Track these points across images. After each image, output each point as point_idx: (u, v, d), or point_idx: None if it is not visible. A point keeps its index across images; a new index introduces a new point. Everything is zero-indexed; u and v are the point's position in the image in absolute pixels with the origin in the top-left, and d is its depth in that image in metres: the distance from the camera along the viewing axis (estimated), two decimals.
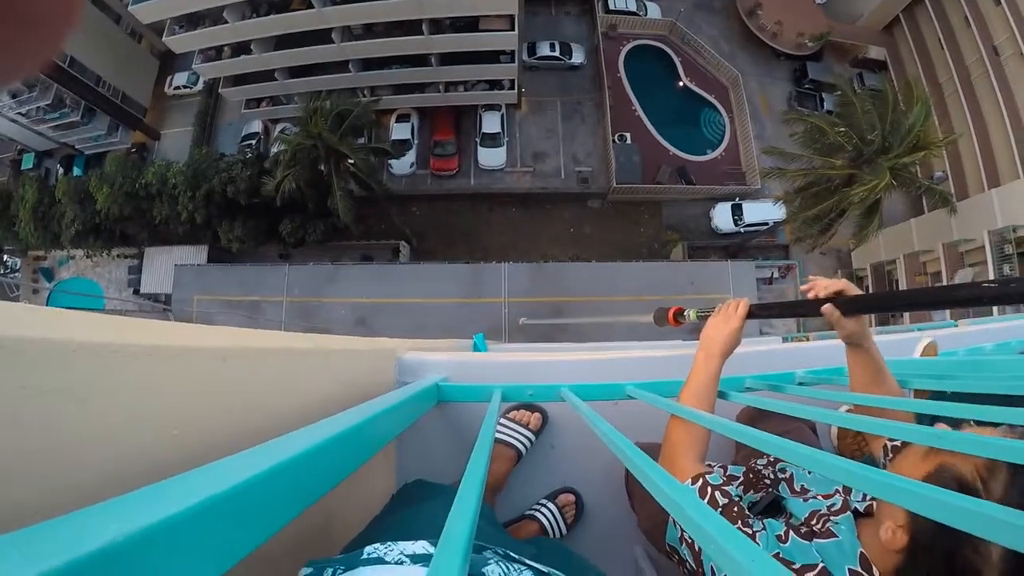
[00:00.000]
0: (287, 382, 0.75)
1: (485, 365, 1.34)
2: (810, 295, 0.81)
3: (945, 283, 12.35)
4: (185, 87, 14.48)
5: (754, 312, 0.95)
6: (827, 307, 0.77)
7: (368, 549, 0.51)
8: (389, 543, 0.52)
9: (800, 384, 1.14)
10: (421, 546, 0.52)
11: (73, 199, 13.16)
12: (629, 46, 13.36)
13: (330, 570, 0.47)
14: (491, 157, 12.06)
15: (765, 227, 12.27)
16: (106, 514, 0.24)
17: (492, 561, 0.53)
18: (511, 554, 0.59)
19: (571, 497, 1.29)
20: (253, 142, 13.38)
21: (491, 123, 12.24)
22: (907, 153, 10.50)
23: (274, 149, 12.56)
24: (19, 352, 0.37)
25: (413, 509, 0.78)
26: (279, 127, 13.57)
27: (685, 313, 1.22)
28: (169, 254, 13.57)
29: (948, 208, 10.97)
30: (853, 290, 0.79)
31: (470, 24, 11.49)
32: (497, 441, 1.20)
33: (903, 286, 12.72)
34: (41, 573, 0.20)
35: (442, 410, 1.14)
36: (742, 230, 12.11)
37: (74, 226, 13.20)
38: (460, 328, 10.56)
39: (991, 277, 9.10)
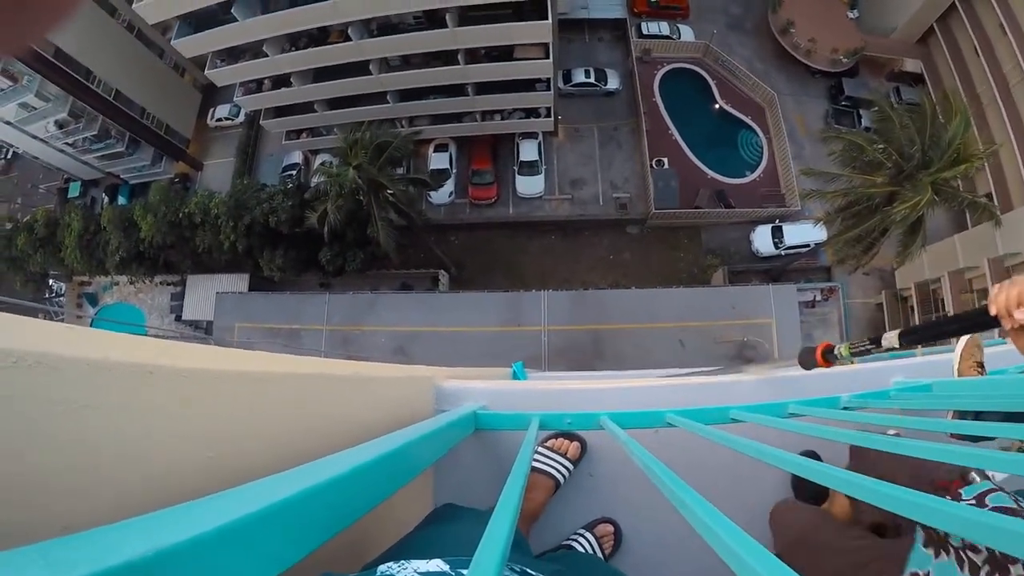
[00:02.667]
0: (326, 408, 0.75)
1: (523, 394, 1.35)
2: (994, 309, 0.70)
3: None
4: (227, 119, 14.95)
5: None
6: None
7: (382, 568, 0.50)
8: (403, 561, 0.51)
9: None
10: (435, 564, 0.51)
11: (118, 227, 13.62)
12: (664, 70, 13.38)
13: None
14: (529, 185, 12.15)
15: (806, 249, 12.09)
16: (132, 531, 0.25)
17: None
18: (528, 571, 0.57)
19: (610, 528, 1.27)
20: (293, 172, 13.72)
21: (528, 151, 12.35)
22: (948, 167, 10.27)
23: (314, 180, 12.87)
24: (55, 369, 0.38)
25: (435, 529, 0.77)
26: (319, 158, 13.89)
27: (836, 351, 1.13)
28: (211, 282, 13.94)
29: (993, 221, 10.71)
30: None
31: (505, 53, 11.66)
32: (534, 470, 1.18)
33: (949, 305, 12.39)
34: None
35: (479, 438, 1.14)
36: (783, 253, 11.96)
37: (118, 253, 13.65)
38: (499, 356, 10.60)
39: None
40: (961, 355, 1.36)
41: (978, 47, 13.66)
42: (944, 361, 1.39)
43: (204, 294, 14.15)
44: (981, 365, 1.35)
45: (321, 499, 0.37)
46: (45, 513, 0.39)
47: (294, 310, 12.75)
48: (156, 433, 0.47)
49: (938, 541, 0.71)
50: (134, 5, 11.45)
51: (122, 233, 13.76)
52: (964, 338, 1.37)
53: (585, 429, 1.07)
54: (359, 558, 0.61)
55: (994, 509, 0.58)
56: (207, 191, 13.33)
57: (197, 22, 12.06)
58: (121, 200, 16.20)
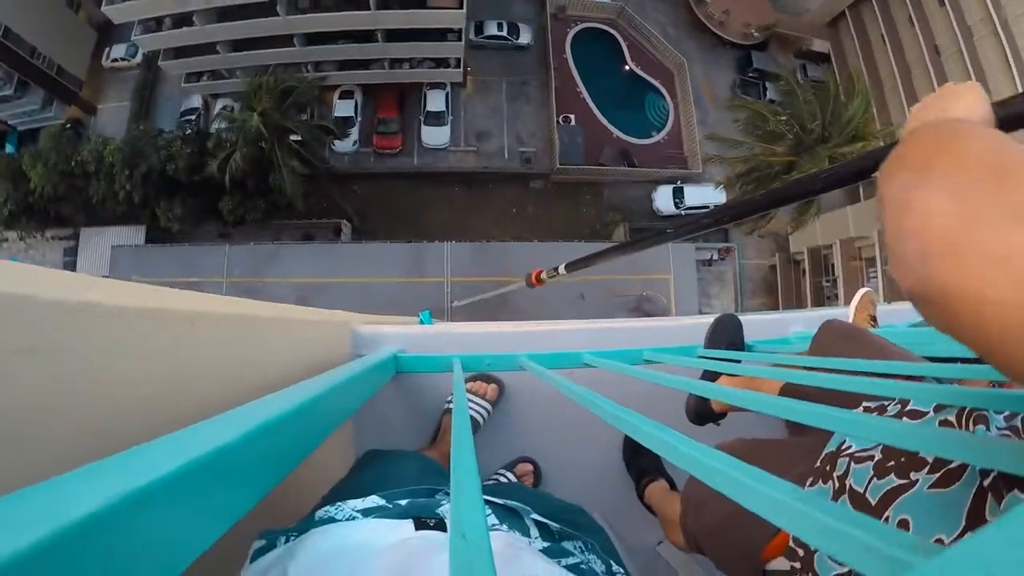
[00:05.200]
0: (251, 349, 0.71)
1: (441, 336, 1.33)
2: None
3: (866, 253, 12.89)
4: (123, 59, 13.91)
5: None
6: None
7: (319, 513, 0.50)
8: (339, 503, 0.51)
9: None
10: (371, 500, 0.51)
11: (5, 177, 12.60)
12: (577, 28, 13.44)
13: (283, 538, 0.46)
14: (435, 136, 12.00)
15: (706, 210, 12.59)
16: (84, 480, 0.22)
17: (444, 503, 0.53)
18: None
19: (529, 467, 1.30)
20: (193, 118, 12.99)
21: (436, 101, 12.17)
22: (846, 143, 10.91)
23: (215, 126, 12.24)
24: None
25: (364, 472, 0.77)
26: (220, 103, 13.20)
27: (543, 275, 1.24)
28: (106, 235, 13.08)
29: None
30: None
31: (418, 1, 11.39)
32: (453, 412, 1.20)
33: (839, 270, 13.26)
34: (27, 546, 0.17)
35: (397, 383, 1.15)
36: (683, 212, 12.40)
37: (6, 207, 12.66)
38: (403, 307, 10.47)
39: None
40: (856, 307, 1.44)
41: (886, 36, 14.48)
42: (840, 314, 1.46)
43: (99, 248, 13.26)
44: (874, 319, 1.43)
45: (259, 443, 0.34)
46: None
47: (193, 263, 12.16)
48: (89, 375, 0.41)
49: None
50: None
51: (10, 184, 12.72)
52: (861, 291, 1.47)
53: (506, 370, 1.06)
54: (287, 515, 0.57)
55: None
56: (101, 137, 12.46)
57: None
58: (9, 148, 14.84)
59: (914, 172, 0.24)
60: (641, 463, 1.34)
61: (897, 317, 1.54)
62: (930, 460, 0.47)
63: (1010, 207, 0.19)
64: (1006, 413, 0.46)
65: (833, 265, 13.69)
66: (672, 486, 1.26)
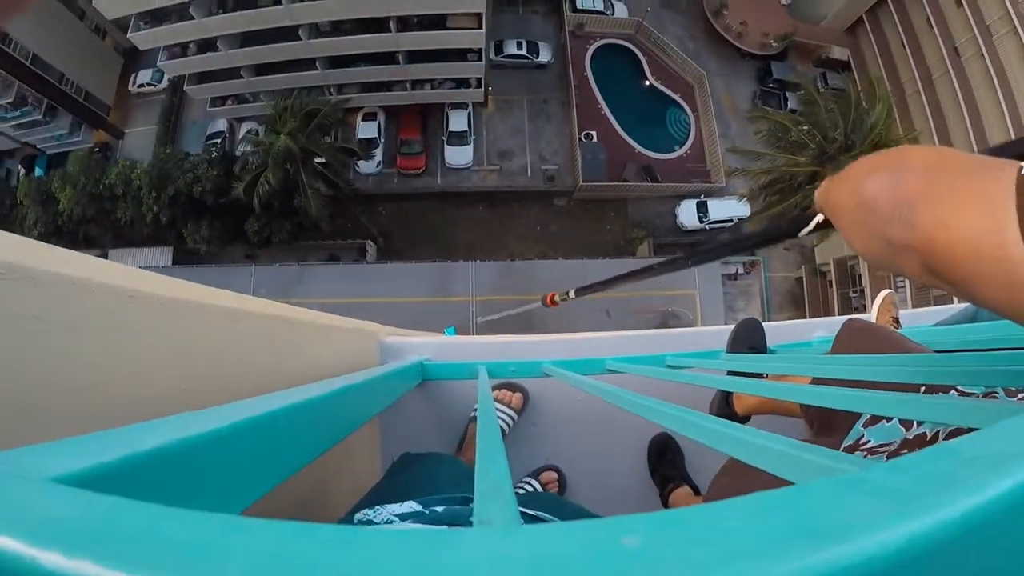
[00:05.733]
0: (287, 352, 0.77)
1: (466, 346, 1.36)
2: None
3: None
4: (149, 84, 14.22)
5: None
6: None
7: (357, 515, 0.51)
8: (377, 507, 0.52)
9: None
10: (408, 506, 0.53)
11: (35, 200, 12.93)
12: (596, 45, 13.46)
13: None
14: (458, 155, 12.06)
15: (730, 224, 12.48)
16: (145, 430, 0.27)
17: None
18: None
19: (554, 475, 1.30)
20: (218, 141, 13.21)
21: (458, 121, 12.24)
22: (869, 150, 10.67)
23: (240, 149, 12.43)
24: (39, 283, 0.38)
25: (401, 475, 0.79)
26: (245, 126, 13.41)
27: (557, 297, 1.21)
28: (134, 256, 13.30)
29: None
30: None
31: (437, 22, 11.49)
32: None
33: (865, 281, 13.05)
34: (99, 464, 0.21)
35: (424, 390, 1.17)
36: (707, 227, 12.31)
37: (36, 228, 12.98)
38: (429, 326, 10.49)
39: None
40: (879, 309, 1.47)
41: (904, 39, 14.32)
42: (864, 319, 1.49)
43: None
44: (896, 320, 1.45)
45: (284, 423, 0.37)
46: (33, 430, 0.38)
47: (219, 283, 11.38)
48: (137, 360, 0.46)
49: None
50: None
51: (40, 207, 13.07)
52: (883, 293, 1.50)
53: (530, 377, 1.08)
54: (328, 519, 0.60)
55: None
56: (128, 160, 12.73)
57: None
58: (38, 172, 15.20)
59: (875, 171, 0.29)
60: (665, 470, 1.34)
61: (922, 319, 1.56)
62: None
63: (963, 169, 0.25)
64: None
65: (860, 276, 13.48)
66: (696, 492, 1.27)
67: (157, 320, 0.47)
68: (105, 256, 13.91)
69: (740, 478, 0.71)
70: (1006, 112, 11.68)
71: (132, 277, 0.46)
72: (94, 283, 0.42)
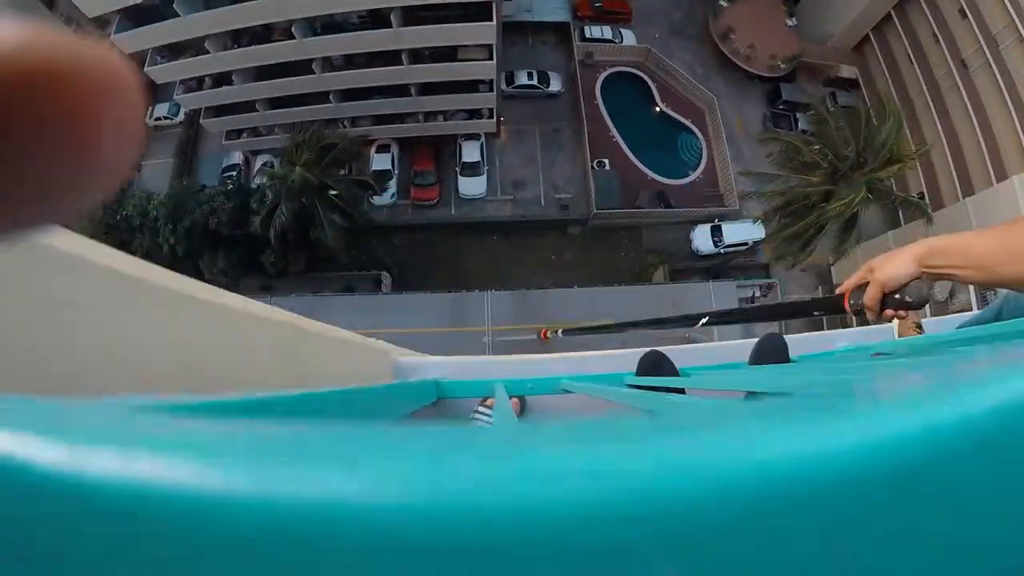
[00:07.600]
0: (301, 359, 0.83)
1: (481, 364, 1.38)
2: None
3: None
4: (166, 118, 14.46)
5: None
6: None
7: None
8: None
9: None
10: None
11: None
12: (605, 73, 13.59)
13: None
14: (471, 186, 12.14)
15: (745, 247, 12.43)
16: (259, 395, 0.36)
17: None
18: None
19: None
20: (234, 173, 13.39)
21: (471, 152, 12.35)
22: (882, 167, 10.73)
23: (256, 181, 12.59)
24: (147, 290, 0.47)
25: None
26: (260, 159, 13.59)
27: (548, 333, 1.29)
28: None
29: (925, 219, 11.19)
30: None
31: (448, 54, 11.65)
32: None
33: None
34: (176, 404, 0.24)
35: (440, 410, 1.18)
36: (722, 251, 12.26)
37: None
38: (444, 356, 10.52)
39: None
40: (899, 323, 1.46)
41: (911, 55, 14.32)
42: (879, 330, 1.51)
43: None
44: (919, 326, 1.45)
45: (281, 408, 0.42)
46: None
47: None
48: (148, 343, 0.51)
49: None
50: None
51: None
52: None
53: (547, 393, 1.11)
54: None
55: None
56: (145, 192, 12.90)
57: (138, 17, 11.67)
58: None
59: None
60: None
61: (945, 327, 1.56)
62: None
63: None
64: None
65: None
66: None
67: (234, 330, 0.55)
68: None
69: None
70: (1016, 121, 11.60)
71: (134, 268, 0.52)
72: (113, 271, 0.49)
